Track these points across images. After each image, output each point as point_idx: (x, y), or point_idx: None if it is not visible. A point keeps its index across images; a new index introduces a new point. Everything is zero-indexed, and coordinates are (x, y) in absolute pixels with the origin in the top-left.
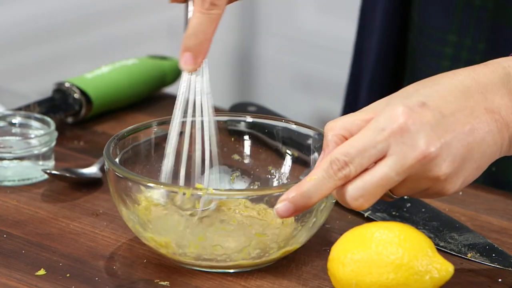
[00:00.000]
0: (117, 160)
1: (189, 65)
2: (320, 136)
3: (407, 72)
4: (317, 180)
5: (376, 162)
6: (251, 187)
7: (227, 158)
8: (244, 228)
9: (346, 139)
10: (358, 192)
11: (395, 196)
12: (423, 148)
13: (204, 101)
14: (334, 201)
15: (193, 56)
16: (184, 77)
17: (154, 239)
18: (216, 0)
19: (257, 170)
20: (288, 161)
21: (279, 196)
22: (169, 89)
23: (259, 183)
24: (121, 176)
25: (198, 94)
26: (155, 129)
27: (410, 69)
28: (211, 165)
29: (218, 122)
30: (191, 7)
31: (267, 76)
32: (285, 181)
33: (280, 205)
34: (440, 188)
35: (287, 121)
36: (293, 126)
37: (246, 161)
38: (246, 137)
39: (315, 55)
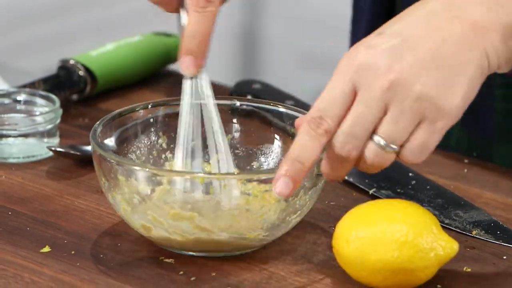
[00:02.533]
0: (112, 139)
1: (191, 68)
2: None
3: None
4: (301, 144)
5: None
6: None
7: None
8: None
9: None
10: (341, 139)
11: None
12: (385, 72)
13: (209, 104)
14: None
15: (194, 58)
16: (186, 83)
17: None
18: None
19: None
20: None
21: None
22: (174, 66)
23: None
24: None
25: (202, 98)
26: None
27: None
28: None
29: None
30: (184, 16)
31: (272, 53)
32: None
33: (278, 184)
34: (432, 108)
35: (275, 104)
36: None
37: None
38: (235, 120)
39: (320, 33)
